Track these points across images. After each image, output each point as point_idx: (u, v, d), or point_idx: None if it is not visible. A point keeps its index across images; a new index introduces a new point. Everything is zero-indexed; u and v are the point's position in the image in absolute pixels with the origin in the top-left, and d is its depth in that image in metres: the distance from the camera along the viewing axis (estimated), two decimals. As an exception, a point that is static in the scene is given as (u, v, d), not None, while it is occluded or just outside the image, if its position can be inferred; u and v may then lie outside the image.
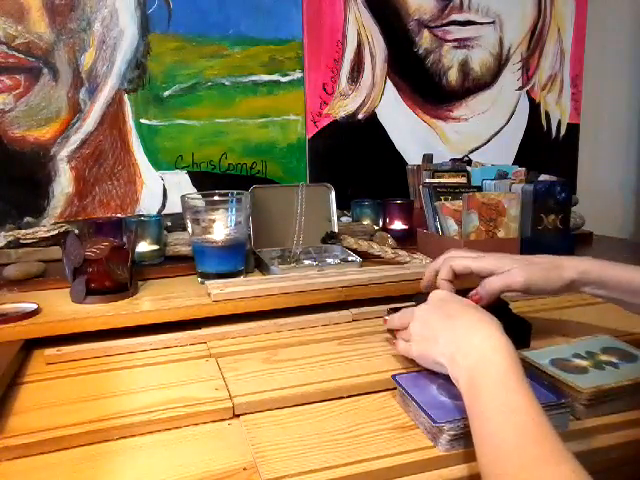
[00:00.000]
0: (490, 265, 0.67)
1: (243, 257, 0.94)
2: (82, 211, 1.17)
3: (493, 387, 0.46)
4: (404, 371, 0.63)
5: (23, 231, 1.02)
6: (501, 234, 0.96)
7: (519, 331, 0.70)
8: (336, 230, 1.08)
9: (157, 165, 1.22)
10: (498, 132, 1.52)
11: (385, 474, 0.48)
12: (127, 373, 0.67)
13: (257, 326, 0.79)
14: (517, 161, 1.52)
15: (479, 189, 1.04)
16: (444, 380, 0.58)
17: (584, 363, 0.61)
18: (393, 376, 0.60)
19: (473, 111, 1.48)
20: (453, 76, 1.44)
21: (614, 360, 0.62)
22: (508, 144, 1.53)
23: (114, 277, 0.82)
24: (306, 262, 1.01)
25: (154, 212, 1.21)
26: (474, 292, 0.66)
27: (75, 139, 1.15)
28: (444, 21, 1.40)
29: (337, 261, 1.02)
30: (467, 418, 0.50)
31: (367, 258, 1.00)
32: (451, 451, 0.50)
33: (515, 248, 0.97)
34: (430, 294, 0.62)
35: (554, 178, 1.03)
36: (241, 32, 1.24)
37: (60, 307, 0.80)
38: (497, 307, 0.71)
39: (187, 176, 1.24)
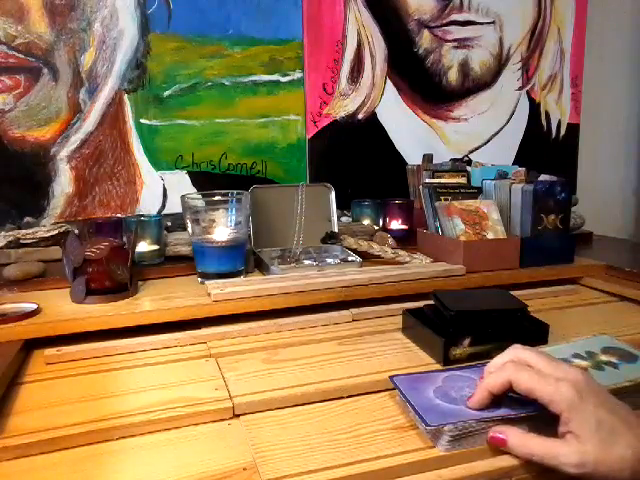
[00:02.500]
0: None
1: (243, 257, 0.94)
2: (82, 211, 1.17)
3: None
4: (403, 372, 0.63)
5: (23, 231, 1.02)
6: (490, 236, 0.97)
7: (538, 332, 0.72)
8: (336, 230, 1.08)
9: (157, 165, 1.22)
10: (498, 132, 1.52)
11: (385, 474, 0.48)
12: (127, 373, 0.67)
13: (257, 326, 0.79)
14: (517, 161, 1.52)
15: (479, 190, 1.04)
16: (442, 383, 0.58)
17: (584, 363, 0.61)
18: (391, 377, 0.60)
19: (473, 111, 1.48)
20: (453, 76, 1.44)
21: (614, 360, 0.62)
22: (508, 144, 1.53)
23: (114, 277, 0.82)
24: (306, 262, 1.01)
25: (154, 212, 1.21)
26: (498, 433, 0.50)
27: (75, 139, 1.15)
28: (444, 21, 1.40)
29: (337, 261, 1.02)
30: (467, 419, 0.50)
31: (367, 258, 1.00)
32: (451, 451, 0.50)
33: (516, 248, 0.97)
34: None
35: (554, 178, 1.03)
36: (241, 32, 1.24)
37: (60, 307, 0.80)
38: (515, 310, 0.72)
39: (187, 176, 1.24)
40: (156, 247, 1.02)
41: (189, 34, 1.20)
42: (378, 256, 1.00)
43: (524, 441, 0.49)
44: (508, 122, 1.52)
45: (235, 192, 0.94)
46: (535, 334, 0.72)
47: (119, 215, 1.17)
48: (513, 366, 0.51)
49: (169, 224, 1.12)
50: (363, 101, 1.37)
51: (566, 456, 0.46)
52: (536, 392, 0.49)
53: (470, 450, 0.50)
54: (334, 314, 0.83)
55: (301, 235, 1.06)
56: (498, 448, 0.50)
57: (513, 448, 0.49)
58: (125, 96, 1.18)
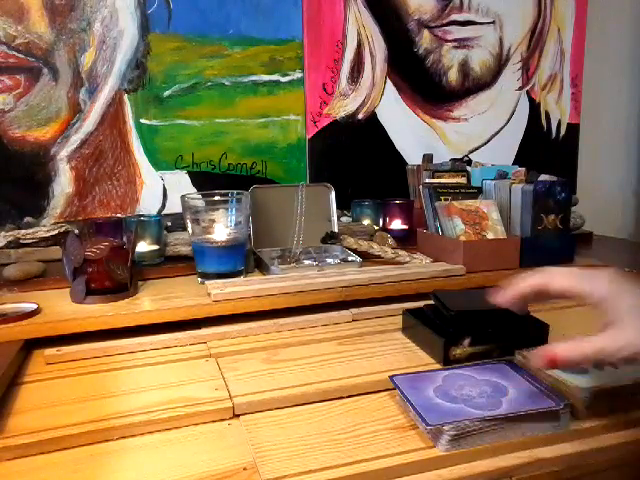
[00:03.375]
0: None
1: (243, 257, 0.94)
2: (82, 211, 1.17)
3: None
4: (403, 372, 0.63)
5: (23, 231, 1.02)
6: (490, 236, 0.97)
7: (538, 332, 0.72)
8: (336, 230, 1.08)
9: (157, 165, 1.22)
10: (498, 132, 1.52)
11: (385, 474, 0.48)
12: (127, 373, 0.67)
13: (257, 326, 0.79)
14: (517, 161, 1.52)
15: (479, 190, 1.04)
16: (442, 382, 0.58)
17: (584, 363, 0.61)
18: (391, 377, 0.60)
19: (473, 111, 1.48)
20: (453, 76, 1.44)
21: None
22: (508, 144, 1.53)
23: (114, 277, 0.82)
24: (306, 262, 1.01)
25: (154, 212, 1.21)
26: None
27: (75, 139, 1.15)
28: (444, 21, 1.40)
29: (337, 261, 1.02)
30: (466, 420, 0.50)
31: (367, 258, 1.00)
32: (451, 451, 0.50)
33: (516, 248, 0.97)
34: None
35: (554, 178, 1.03)
36: (241, 32, 1.24)
37: (60, 307, 0.80)
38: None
39: (187, 176, 1.24)
40: (156, 247, 1.02)
41: (189, 34, 1.20)
42: (378, 256, 1.00)
43: (574, 346, 0.49)
44: (508, 122, 1.52)
45: (235, 192, 0.94)
46: (535, 334, 0.72)
47: (119, 215, 1.17)
48: (547, 271, 0.53)
49: (169, 224, 1.12)
50: (363, 101, 1.37)
51: (614, 341, 0.47)
52: (573, 288, 0.50)
53: (470, 450, 0.50)
54: (334, 314, 0.83)
55: (301, 235, 1.06)
56: (554, 367, 0.50)
57: (567, 357, 0.48)
58: (125, 96, 1.18)
